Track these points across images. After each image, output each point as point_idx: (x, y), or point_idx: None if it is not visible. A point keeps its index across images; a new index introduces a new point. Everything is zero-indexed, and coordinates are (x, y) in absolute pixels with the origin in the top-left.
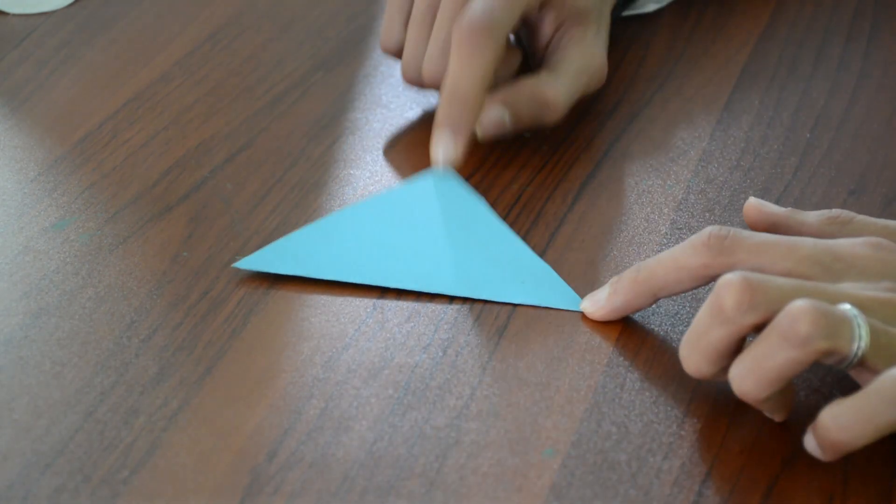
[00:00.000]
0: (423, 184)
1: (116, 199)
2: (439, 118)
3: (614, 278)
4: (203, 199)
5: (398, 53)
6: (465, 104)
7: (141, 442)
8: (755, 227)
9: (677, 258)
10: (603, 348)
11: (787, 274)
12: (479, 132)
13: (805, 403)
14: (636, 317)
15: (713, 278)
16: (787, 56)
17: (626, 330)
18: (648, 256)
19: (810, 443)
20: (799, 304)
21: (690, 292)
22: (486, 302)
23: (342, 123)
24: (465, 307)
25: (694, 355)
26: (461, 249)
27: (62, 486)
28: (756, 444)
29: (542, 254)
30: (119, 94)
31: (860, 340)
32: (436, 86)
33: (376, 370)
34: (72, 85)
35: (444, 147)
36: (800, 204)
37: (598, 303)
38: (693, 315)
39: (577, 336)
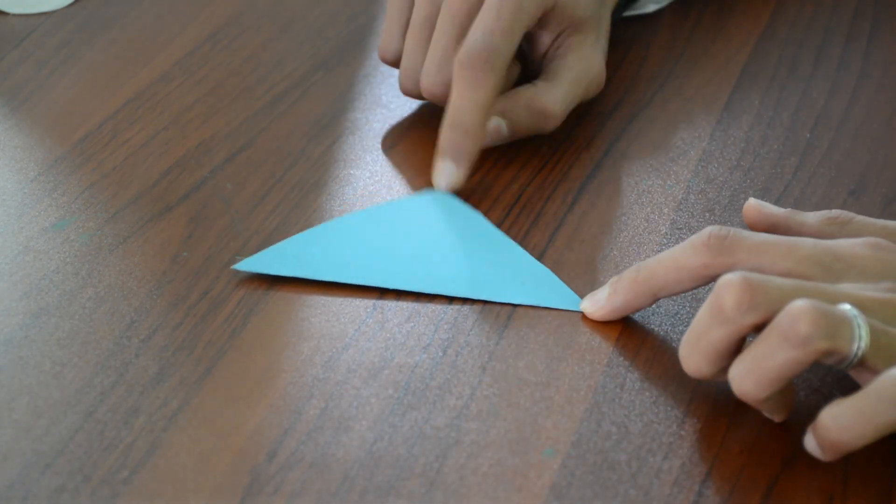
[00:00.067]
0: (423, 198)
1: (116, 199)
2: (441, 147)
3: (614, 278)
4: (203, 199)
5: (396, 63)
6: (467, 134)
7: (141, 442)
8: (755, 228)
9: (677, 258)
10: (603, 348)
11: (787, 274)
12: None
13: (805, 403)
14: (636, 317)
15: (713, 278)
16: (787, 56)
17: (626, 330)
18: (648, 256)
19: (810, 443)
20: (799, 304)
21: (690, 292)
22: (486, 302)
23: (342, 123)
24: (465, 307)
25: (693, 355)
26: (461, 252)
27: (62, 486)
28: (756, 444)
29: (541, 254)
30: (119, 94)
31: (860, 340)
32: (433, 100)
33: (376, 370)
34: (72, 85)
35: (447, 176)
36: (800, 204)
37: (598, 303)
38: (693, 315)
39: (577, 336)
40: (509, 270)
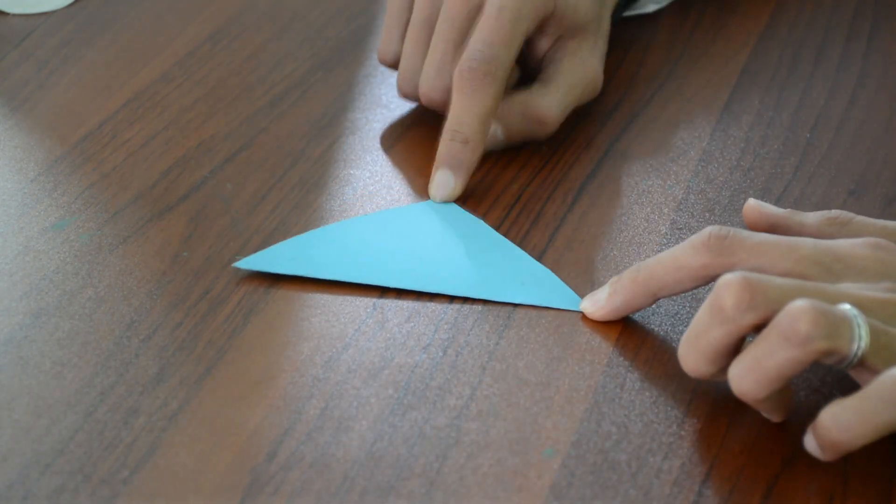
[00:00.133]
0: (422, 204)
1: (116, 199)
2: (440, 156)
3: (614, 278)
4: (203, 199)
5: (396, 66)
6: (467, 144)
7: (141, 442)
8: (755, 229)
9: (677, 258)
10: (603, 348)
11: (787, 274)
12: None
13: (805, 403)
14: (636, 317)
15: (713, 278)
16: (787, 56)
17: (626, 330)
18: (648, 256)
19: (810, 443)
20: (799, 304)
21: (690, 292)
22: (486, 302)
23: (342, 123)
24: (465, 307)
25: (693, 354)
26: (461, 252)
27: (62, 486)
28: (756, 444)
29: (541, 254)
30: (119, 94)
31: (860, 340)
32: (431, 105)
33: (376, 370)
34: (72, 85)
35: (444, 186)
36: (800, 204)
37: (597, 303)
38: (693, 315)
39: (577, 336)
40: (509, 270)
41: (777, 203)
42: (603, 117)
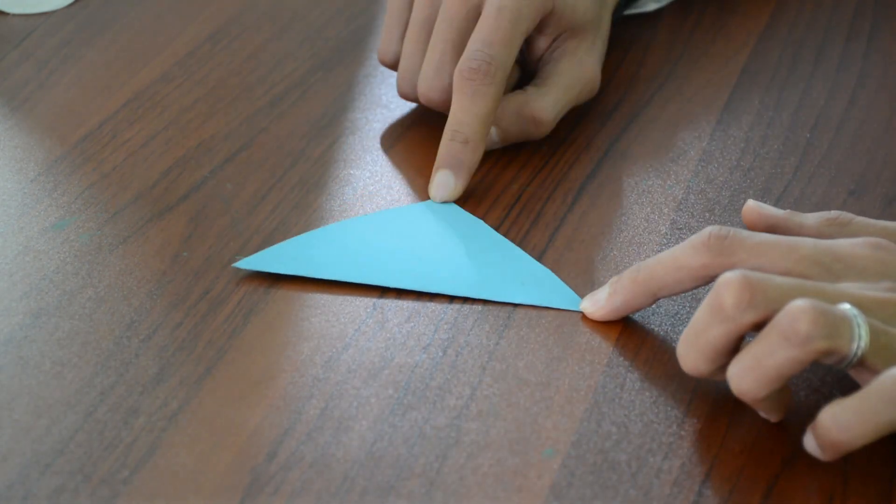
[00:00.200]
0: (422, 205)
1: (116, 199)
2: (440, 157)
3: (614, 278)
4: (203, 199)
5: (395, 66)
6: (467, 145)
7: (141, 442)
8: (754, 230)
9: (677, 258)
10: (603, 348)
11: (787, 274)
12: None
13: (805, 403)
14: (636, 317)
15: (713, 278)
16: (787, 56)
17: (626, 330)
18: (648, 256)
19: (810, 443)
20: (799, 304)
21: (690, 292)
22: (486, 302)
23: (342, 123)
24: (465, 307)
25: (692, 353)
26: (461, 252)
27: (62, 486)
28: (756, 444)
29: (541, 254)
30: (119, 94)
31: (860, 340)
32: (430, 105)
33: (376, 370)
34: (72, 85)
35: (444, 187)
36: (800, 204)
37: (597, 303)
38: (693, 315)
39: (577, 336)
40: (509, 270)
41: (777, 203)
42: (603, 117)
